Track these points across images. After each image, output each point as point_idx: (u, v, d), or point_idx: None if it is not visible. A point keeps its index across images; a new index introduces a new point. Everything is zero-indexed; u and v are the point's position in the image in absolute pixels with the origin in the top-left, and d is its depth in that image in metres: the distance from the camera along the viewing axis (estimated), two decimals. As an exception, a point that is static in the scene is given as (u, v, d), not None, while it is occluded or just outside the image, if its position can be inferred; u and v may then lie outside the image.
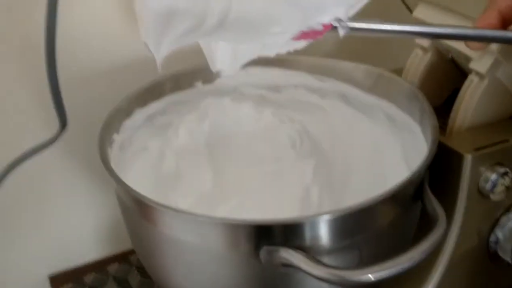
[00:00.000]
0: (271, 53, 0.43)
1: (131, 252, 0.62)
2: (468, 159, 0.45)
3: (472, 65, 0.48)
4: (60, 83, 0.44)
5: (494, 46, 0.46)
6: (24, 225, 0.58)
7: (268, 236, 0.37)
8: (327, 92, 0.56)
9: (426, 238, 0.38)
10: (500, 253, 0.49)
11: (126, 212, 0.45)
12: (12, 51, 0.52)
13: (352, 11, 0.40)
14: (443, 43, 0.52)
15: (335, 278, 0.35)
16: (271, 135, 0.53)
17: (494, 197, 0.47)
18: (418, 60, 0.54)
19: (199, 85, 0.56)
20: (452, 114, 0.49)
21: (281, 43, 0.38)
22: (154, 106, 0.53)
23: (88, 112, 0.53)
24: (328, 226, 0.37)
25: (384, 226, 0.40)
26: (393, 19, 0.56)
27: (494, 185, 0.46)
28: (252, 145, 0.52)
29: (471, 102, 0.48)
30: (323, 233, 0.37)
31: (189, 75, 0.55)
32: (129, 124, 0.51)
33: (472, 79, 0.48)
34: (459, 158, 0.46)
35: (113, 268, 0.61)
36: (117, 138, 0.49)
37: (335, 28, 0.39)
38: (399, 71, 0.56)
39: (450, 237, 0.47)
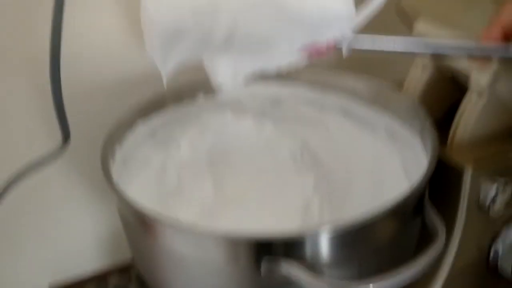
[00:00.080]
0: (271, 68, 0.44)
1: (132, 263, 0.62)
2: (468, 173, 0.46)
3: (472, 81, 0.48)
4: (63, 97, 0.45)
5: (493, 62, 0.47)
6: (25, 236, 0.58)
7: (268, 249, 0.37)
8: (328, 105, 0.56)
9: (425, 251, 0.39)
10: (500, 266, 0.49)
11: (127, 225, 0.45)
12: (16, 65, 0.52)
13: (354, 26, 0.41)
14: (443, 60, 0.52)
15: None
16: (272, 148, 0.53)
17: (494, 210, 0.47)
18: (418, 76, 0.54)
19: (200, 97, 0.56)
20: (452, 128, 0.50)
21: (284, 59, 0.39)
22: (156, 119, 0.54)
23: (91, 125, 0.53)
24: (328, 240, 0.37)
25: (384, 240, 0.41)
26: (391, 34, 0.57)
27: (494, 198, 0.47)
28: (253, 158, 0.52)
29: (470, 117, 0.49)
30: (324, 246, 0.38)
31: (190, 87, 0.56)
32: (131, 137, 0.51)
33: (471, 94, 0.49)
34: (459, 171, 0.46)
35: (113, 279, 0.61)
36: (119, 151, 0.49)
37: (338, 46, 0.39)
38: (400, 82, 0.56)
39: (450, 250, 0.47)
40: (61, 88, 0.44)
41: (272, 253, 0.37)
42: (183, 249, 0.40)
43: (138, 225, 0.43)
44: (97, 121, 0.53)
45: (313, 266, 0.37)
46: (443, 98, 0.55)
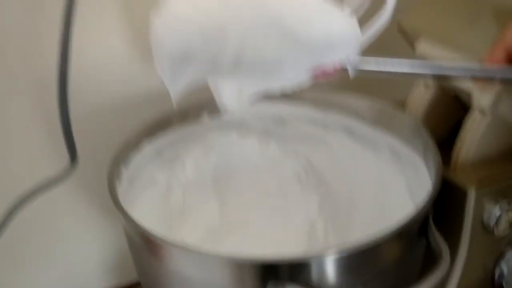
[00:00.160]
0: (276, 89, 0.44)
1: (137, 284, 0.62)
2: (471, 194, 0.46)
3: (475, 101, 0.49)
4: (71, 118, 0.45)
5: (495, 83, 0.47)
6: (32, 256, 0.58)
7: (274, 273, 0.37)
8: (332, 125, 0.56)
9: (430, 273, 0.39)
10: (506, 287, 0.49)
11: (133, 247, 0.45)
12: (24, 86, 0.53)
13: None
14: (445, 80, 0.52)
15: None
16: (277, 169, 0.54)
17: (498, 230, 0.47)
18: (421, 95, 0.54)
19: (205, 117, 0.56)
20: (455, 149, 0.50)
21: (290, 81, 0.39)
22: (162, 139, 0.54)
23: (97, 145, 0.54)
24: (334, 263, 0.38)
25: (389, 262, 0.41)
26: (394, 53, 0.58)
27: (498, 219, 0.47)
28: (258, 179, 0.52)
29: (474, 137, 0.49)
30: (329, 270, 0.38)
31: (196, 107, 0.56)
32: (137, 157, 0.51)
33: (474, 115, 0.49)
34: (463, 192, 0.46)
35: (119, 300, 0.62)
36: (126, 171, 0.49)
37: (345, 69, 0.40)
38: (402, 103, 0.57)
39: (454, 270, 0.47)
40: (68, 111, 0.44)
41: (277, 277, 0.37)
42: (188, 271, 0.40)
43: (144, 246, 0.43)
44: (104, 141, 0.54)
45: (318, 289, 0.37)
46: (446, 118, 0.56)
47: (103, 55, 0.56)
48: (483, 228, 0.47)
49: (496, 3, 0.50)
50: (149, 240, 0.41)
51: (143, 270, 0.46)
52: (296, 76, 0.39)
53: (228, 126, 0.57)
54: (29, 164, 0.55)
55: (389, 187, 0.51)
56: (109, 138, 0.52)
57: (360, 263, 0.39)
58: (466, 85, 0.50)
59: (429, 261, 0.44)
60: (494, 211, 0.47)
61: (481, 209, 0.47)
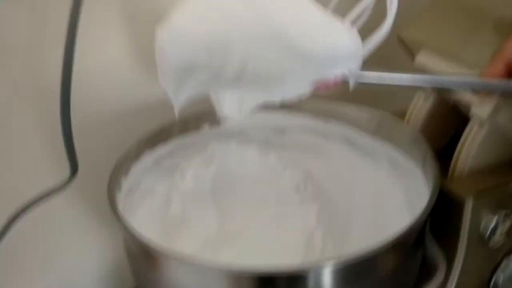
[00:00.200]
0: (276, 100, 0.44)
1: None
2: (469, 205, 0.46)
3: (473, 111, 0.49)
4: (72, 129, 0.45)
5: (494, 95, 0.47)
6: (30, 266, 0.58)
7: (271, 284, 0.38)
8: (331, 134, 0.57)
9: (426, 284, 0.39)
10: (502, 297, 0.50)
11: (131, 257, 0.46)
12: (27, 97, 0.53)
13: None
14: (445, 91, 0.53)
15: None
16: (276, 179, 0.54)
17: (495, 240, 0.47)
18: (420, 106, 0.55)
19: (205, 127, 0.57)
20: (453, 159, 0.50)
21: (291, 93, 0.40)
22: (162, 149, 0.54)
23: (98, 156, 0.54)
24: (331, 275, 0.38)
25: (386, 273, 0.41)
26: (394, 64, 0.58)
27: (495, 229, 0.47)
28: (257, 189, 0.53)
29: (472, 147, 0.49)
30: (326, 281, 0.38)
31: (196, 118, 0.57)
32: (137, 167, 0.52)
33: (473, 125, 0.49)
34: (460, 202, 0.47)
35: (118, 310, 0.62)
36: (126, 181, 0.50)
37: (346, 81, 0.40)
38: (402, 113, 0.57)
39: (450, 281, 0.47)
40: (70, 121, 0.45)
41: (275, 287, 0.38)
42: (186, 281, 0.40)
43: (142, 256, 0.43)
44: (104, 150, 0.54)
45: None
46: (445, 128, 0.56)
47: (105, 66, 0.56)
48: (480, 238, 0.47)
49: (496, 16, 0.50)
50: (148, 250, 0.42)
51: (141, 280, 0.46)
52: (298, 88, 0.39)
53: (228, 135, 0.57)
54: (29, 174, 0.55)
55: (388, 197, 0.51)
56: (109, 147, 0.52)
57: (357, 274, 0.39)
58: (465, 97, 0.50)
59: (426, 271, 0.44)
60: (490, 222, 0.47)
61: (478, 220, 0.47)
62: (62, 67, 0.43)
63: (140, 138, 0.53)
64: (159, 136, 0.55)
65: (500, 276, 0.49)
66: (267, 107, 0.56)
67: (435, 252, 0.42)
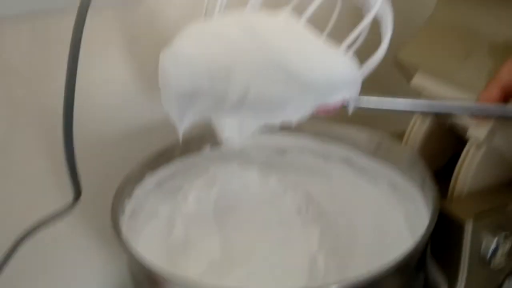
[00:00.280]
0: (277, 123, 0.45)
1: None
2: (469, 227, 0.47)
3: (470, 134, 0.50)
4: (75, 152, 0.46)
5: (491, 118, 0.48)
6: (34, 288, 0.59)
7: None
8: (331, 155, 0.57)
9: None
10: (504, 318, 0.50)
11: (135, 281, 0.46)
12: (29, 120, 0.54)
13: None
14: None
15: None
16: (277, 201, 0.54)
17: (496, 262, 0.48)
18: (418, 127, 0.56)
19: (207, 149, 0.57)
20: (452, 180, 0.51)
21: (291, 118, 0.40)
22: (164, 171, 0.55)
23: (100, 179, 0.54)
24: (334, 298, 0.38)
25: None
26: (389, 84, 0.59)
27: (495, 250, 0.47)
28: (259, 211, 0.53)
29: (469, 169, 0.50)
30: (329, 305, 0.38)
31: (198, 139, 0.57)
32: (140, 189, 0.52)
33: (470, 146, 0.50)
34: (460, 224, 0.47)
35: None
36: (129, 204, 0.50)
37: (345, 105, 0.41)
38: (400, 134, 0.58)
39: (453, 302, 0.48)
40: (73, 145, 0.45)
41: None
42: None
43: (146, 281, 0.43)
44: (107, 173, 0.55)
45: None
46: (443, 149, 0.57)
47: (107, 87, 0.57)
48: (481, 259, 0.48)
49: (491, 38, 0.51)
50: (151, 275, 0.42)
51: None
52: (298, 114, 0.40)
53: (229, 156, 0.58)
54: (32, 198, 0.56)
55: (388, 219, 0.51)
56: (112, 170, 0.53)
57: (359, 298, 0.39)
58: (462, 119, 0.51)
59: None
60: (491, 242, 0.47)
61: (478, 240, 0.47)
62: (64, 88, 0.44)
63: (142, 160, 0.53)
64: (161, 158, 0.55)
65: (502, 297, 0.49)
66: (268, 129, 0.57)
67: (437, 274, 0.42)
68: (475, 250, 0.47)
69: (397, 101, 0.42)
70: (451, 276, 0.47)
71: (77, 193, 0.47)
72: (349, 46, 0.42)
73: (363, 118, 0.57)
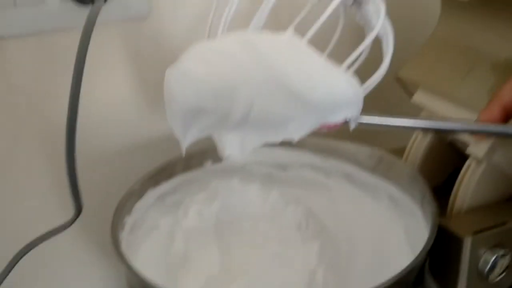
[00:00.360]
0: (277, 140, 0.46)
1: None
2: (467, 244, 0.47)
3: (470, 150, 0.50)
4: (77, 166, 0.46)
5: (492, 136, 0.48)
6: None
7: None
8: (332, 171, 0.58)
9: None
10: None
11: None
12: (32, 136, 0.54)
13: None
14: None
15: None
16: (278, 216, 0.55)
17: (494, 278, 0.48)
18: (418, 143, 0.56)
19: (209, 164, 0.58)
20: (451, 196, 0.51)
21: (293, 136, 0.41)
22: (165, 186, 0.55)
23: (101, 194, 0.55)
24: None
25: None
26: (391, 101, 0.59)
27: (494, 267, 0.48)
28: (259, 227, 0.53)
29: (469, 185, 0.50)
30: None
31: (199, 154, 0.58)
32: (141, 204, 0.53)
33: (470, 163, 0.50)
34: (458, 240, 0.47)
35: None
36: (129, 219, 0.50)
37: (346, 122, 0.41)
38: (401, 150, 0.58)
39: (451, 318, 0.48)
40: (75, 162, 0.45)
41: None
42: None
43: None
44: (108, 188, 0.55)
45: None
46: (443, 165, 0.57)
47: (110, 103, 0.57)
48: (479, 274, 0.48)
49: (491, 56, 0.52)
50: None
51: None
52: (300, 132, 0.40)
53: (230, 172, 0.58)
54: (34, 213, 0.56)
55: (388, 234, 0.52)
56: (114, 185, 0.53)
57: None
58: (462, 136, 0.51)
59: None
60: (489, 259, 0.47)
61: (477, 257, 0.47)
62: (68, 105, 0.44)
63: (144, 175, 0.54)
64: (162, 174, 0.55)
65: (500, 314, 0.50)
66: (269, 144, 0.57)
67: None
68: (474, 266, 0.47)
69: (398, 120, 0.42)
70: (450, 291, 0.47)
71: (78, 209, 0.47)
72: (351, 65, 0.43)
73: (364, 133, 0.57)
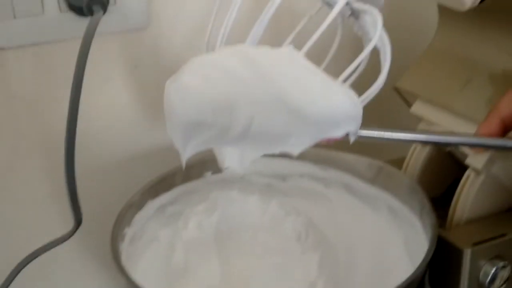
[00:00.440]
0: (276, 152, 0.46)
1: None
2: (467, 254, 0.47)
3: (468, 161, 0.50)
4: (76, 177, 0.46)
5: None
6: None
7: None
8: (332, 181, 0.57)
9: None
10: None
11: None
12: (31, 147, 0.55)
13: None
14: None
15: None
16: (277, 227, 0.55)
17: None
18: (417, 154, 0.56)
19: (208, 175, 0.58)
20: (451, 208, 0.51)
21: (292, 150, 0.41)
22: (165, 197, 0.55)
23: (101, 205, 0.55)
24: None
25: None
26: (391, 111, 0.59)
27: (494, 278, 0.48)
28: (259, 237, 0.53)
29: (468, 196, 0.50)
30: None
31: (199, 165, 0.57)
32: (140, 215, 0.52)
33: (469, 174, 0.50)
34: (458, 252, 0.47)
35: None
36: (129, 231, 0.50)
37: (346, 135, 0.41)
38: (400, 161, 0.58)
39: (452, 330, 0.48)
40: (74, 176, 0.45)
41: None
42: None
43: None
44: (107, 199, 0.55)
45: None
46: (442, 176, 0.57)
47: (109, 114, 0.57)
48: (479, 286, 0.48)
49: (489, 67, 0.52)
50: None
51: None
52: (299, 146, 0.40)
53: (230, 183, 0.58)
54: (33, 224, 0.56)
55: (388, 245, 0.52)
56: (113, 196, 0.53)
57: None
58: (461, 147, 0.51)
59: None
60: (489, 270, 0.47)
61: (477, 269, 0.47)
62: (67, 115, 0.44)
63: (143, 187, 0.54)
64: (162, 185, 0.55)
65: (499, 325, 0.49)
66: (268, 154, 0.57)
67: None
68: (474, 278, 0.47)
69: (397, 134, 0.42)
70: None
71: (78, 220, 0.47)
72: (349, 76, 0.43)
73: (363, 144, 0.57)
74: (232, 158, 0.46)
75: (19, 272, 0.49)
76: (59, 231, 0.50)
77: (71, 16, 0.50)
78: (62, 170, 0.46)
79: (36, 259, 0.50)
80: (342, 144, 0.58)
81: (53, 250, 0.51)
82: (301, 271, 0.49)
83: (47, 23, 0.51)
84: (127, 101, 0.57)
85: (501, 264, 0.47)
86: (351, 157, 0.57)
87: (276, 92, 0.37)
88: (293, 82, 0.37)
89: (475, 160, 0.49)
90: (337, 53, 0.48)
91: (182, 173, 0.57)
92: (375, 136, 0.42)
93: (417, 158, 0.56)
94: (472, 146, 0.44)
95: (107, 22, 0.50)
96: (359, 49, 0.42)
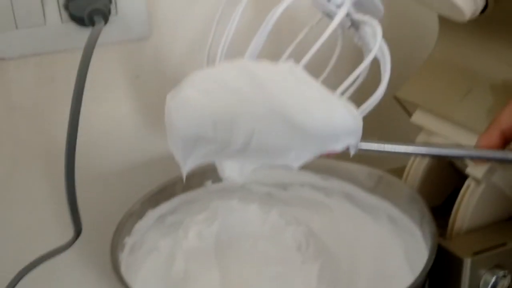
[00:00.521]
0: (277, 164, 0.46)
1: None
2: (467, 263, 0.47)
3: (469, 171, 0.50)
4: (76, 186, 0.46)
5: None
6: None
7: None
8: (332, 191, 0.58)
9: None
10: None
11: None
12: (33, 157, 0.55)
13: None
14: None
15: None
16: (278, 236, 0.55)
17: (495, 298, 0.48)
18: (418, 163, 0.56)
19: (208, 184, 0.58)
20: (451, 217, 0.51)
21: (292, 163, 0.41)
22: (165, 206, 0.55)
23: (101, 214, 0.55)
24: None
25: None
26: (390, 120, 0.59)
27: (494, 286, 0.48)
28: (259, 247, 0.53)
29: (469, 206, 0.50)
30: None
31: (199, 175, 0.58)
32: (140, 225, 0.52)
33: (469, 183, 0.50)
34: (458, 261, 0.47)
35: None
36: (129, 240, 0.50)
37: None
38: (400, 170, 0.58)
39: None
40: (75, 186, 0.45)
41: None
42: None
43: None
44: (107, 208, 0.55)
45: None
46: (443, 185, 0.57)
47: (109, 123, 0.57)
48: (480, 296, 0.48)
49: (489, 77, 0.52)
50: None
51: None
52: (299, 160, 0.40)
53: (230, 192, 0.58)
54: (33, 234, 0.56)
55: (388, 254, 0.52)
56: (113, 205, 0.53)
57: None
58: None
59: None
60: (489, 280, 0.48)
61: (477, 278, 0.48)
62: (68, 126, 0.44)
63: (143, 196, 0.54)
64: (162, 194, 0.55)
65: (500, 335, 0.49)
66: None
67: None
68: (474, 287, 0.47)
69: (397, 147, 0.42)
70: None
71: (78, 230, 0.47)
72: (348, 87, 0.43)
73: (363, 154, 0.57)
74: (232, 168, 0.46)
75: (19, 281, 0.49)
76: (59, 240, 0.51)
77: (72, 26, 0.51)
78: (62, 179, 0.46)
79: (36, 268, 0.50)
80: (342, 153, 0.59)
81: (53, 259, 0.51)
82: (301, 280, 0.49)
83: (49, 34, 0.51)
84: (128, 110, 0.58)
85: (501, 273, 0.47)
86: (351, 166, 0.57)
87: (276, 107, 0.37)
88: (293, 97, 0.37)
89: (475, 169, 0.49)
90: (337, 64, 0.48)
91: (182, 183, 0.57)
92: (375, 149, 0.42)
93: (417, 168, 0.56)
94: (472, 158, 0.44)
95: (109, 32, 0.50)
96: (359, 60, 0.42)
